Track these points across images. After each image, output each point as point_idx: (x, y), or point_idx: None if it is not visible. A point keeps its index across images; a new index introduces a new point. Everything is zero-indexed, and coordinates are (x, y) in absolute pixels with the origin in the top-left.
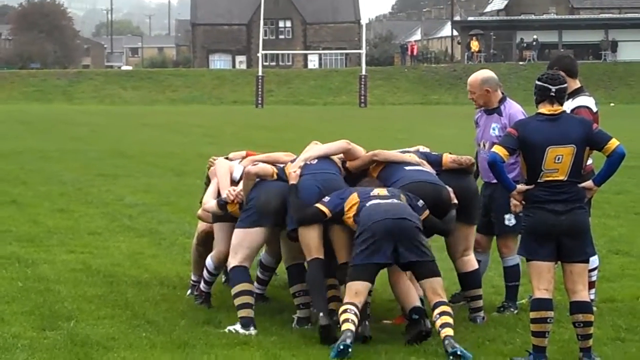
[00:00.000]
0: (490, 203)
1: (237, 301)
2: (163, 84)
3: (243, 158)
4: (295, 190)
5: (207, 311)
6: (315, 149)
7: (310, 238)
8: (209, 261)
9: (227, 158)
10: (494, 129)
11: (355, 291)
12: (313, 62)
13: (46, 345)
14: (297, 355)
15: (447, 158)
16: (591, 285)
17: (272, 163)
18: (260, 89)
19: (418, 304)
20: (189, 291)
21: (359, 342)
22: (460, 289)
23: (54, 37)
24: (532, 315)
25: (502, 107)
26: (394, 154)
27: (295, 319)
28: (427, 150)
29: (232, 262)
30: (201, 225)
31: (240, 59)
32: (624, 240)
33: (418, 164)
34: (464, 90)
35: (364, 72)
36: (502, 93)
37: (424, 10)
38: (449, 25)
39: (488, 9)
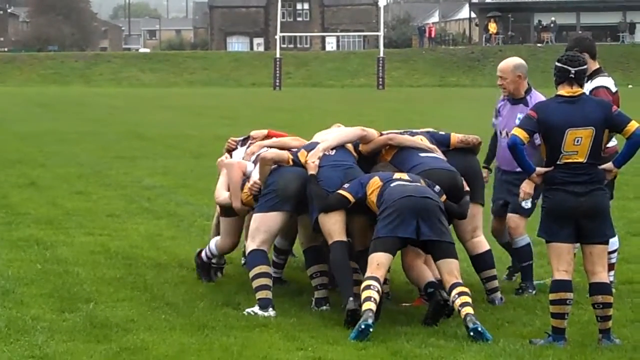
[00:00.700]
0: (512, 189)
1: (255, 283)
2: (181, 66)
3: (265, 137)
4: (315, 180)
5: (226, 293)
6: (331, 138)
7: (332, 223)
8: (212, 245)
9: (247, 137)
10: (519, 119)
11: (377, 263)
12: (331, 44)
13: (65, 328)
14: (316, 336)
15: (455, 138)
16: (611, 267)
17: (282, 148)
18: (278, 72)
19: (432, 279)
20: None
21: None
22: (476, 270)
23: (71, 19)
24: (552, 297)
25: (527, 98)
26: (409, 139)
27: (314, 300)
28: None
29: (251, 245)
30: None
31: (258, 41)
32: None
33: (431, 150)
34: (482, 73)
35: (381, 55)
36: (528, 84)
37: None
38: (466, 7)
39: None
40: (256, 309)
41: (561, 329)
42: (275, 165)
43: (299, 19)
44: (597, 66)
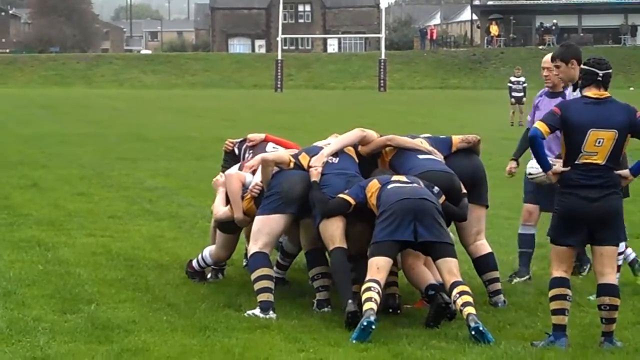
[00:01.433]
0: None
1: (257, 285)
2: (182, 68)
3: (262, 140)
4: (317, 187)
5: (228, 295)
6: (334, 143)
7: (334, 230)
8: (206, 254)
9: (244, 140)
10: None
11: (377, 266)
12: (332, 46)
13: (67, 329)
14: (317, 338)
15: (456, 139)
16: (617, 269)
17: (282, 163)
18: (279, 73)
19: (433, 281)
20: (209, 275)
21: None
22: (478, 273)
23: (73, 20)
24: (552, 292)
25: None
26: (408, 140)
27: (315, 302)
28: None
29: (253, 248)
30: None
31: (260, 43)
32: None
33: (430, 152)
34: (483, 75)
35: (383, 57)
36: None
37: None
38: (468, 9)
39: None
40: (257, 311)
41: (562, 326)
42: (277, 169)
43: (301, 20)
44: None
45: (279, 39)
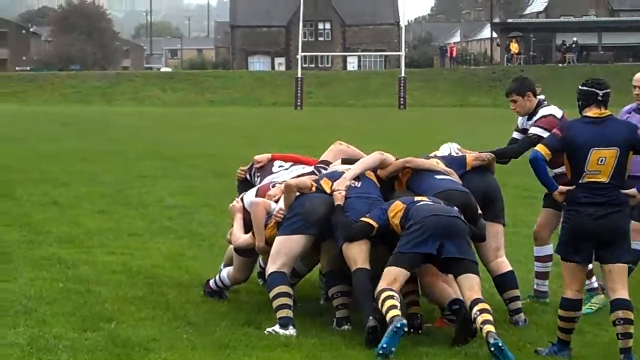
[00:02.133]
0: None
1: (275, 303)
2: (202, 85)
3: (269, 160)
4: (341, 210)
5: (248, 312)
6: (355, 166)
7: (357, 252)
8: (224, 276)
9: (252, 163)
10: None
11: (395, 277)
12: (352, 64)
13: (87, 346)
14: (337, 356)
15: (470, 158)
16: (545, 275)
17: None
18: (299, 91)
19: (455, 296)
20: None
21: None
22: (498, 292)
23: (93, 38)
24: (561, 313)
25: None
26: (425, 162)
27: (335, 320)
28: (454, 148)
29: (271, 268)
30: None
31: (279, 61)
32: None
33: (447, 173)
34: (503, 93)
35: (403, 74)
36: None
37: (463, 12)
38: (488, 27)
39: (528, 10)
40: (277, 327)
41: (567, 342)
42: (299, 193)
43: (321, 38)
44: (537, 100)
45: (298, 56)
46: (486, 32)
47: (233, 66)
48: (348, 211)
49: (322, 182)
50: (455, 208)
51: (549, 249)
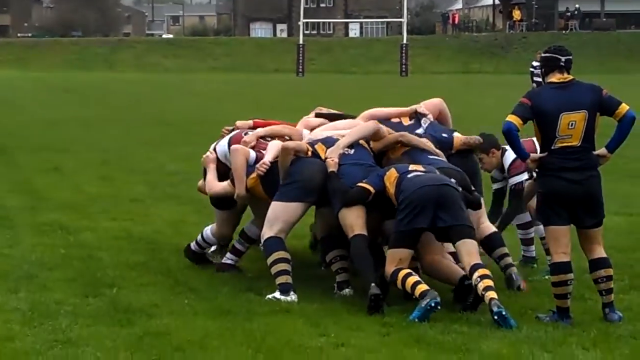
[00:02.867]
0: None
1: (274, 269)
2: (204, 52)
3: (250, 128)
4: (336, 177)
5: (249, 279)
6: (350, 134)
7: (354, 218)
8: (207, 232)
9: (234, 128)
10: None
11: (400, 258)
12: (354, 30)
13: (89, 312)
14: (338, 322)
15: (458, 141)
16: (529, 241)
17: (274, 136)
18: (301, 58)
19: (464, 273)
20: (212, 248)
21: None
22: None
23: (95, 5)
24: (553, 279)
25: None
26: (419, 139)
27: (336, 285)
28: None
29: (268, 233)
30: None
31: (281, 28)
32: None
33: (438, 155)
34: (505, 60)
35: (405, 41)
36: None
37: None
38: None
39: None
40: (277, 294)
41: (565, 309)
42: (294, 157)
43: (322, 5)
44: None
45: (300, 23)
46: None
47: (235, 33)
48: (343, 177)
49: (317, 146)
50: (453, 180)
51: (528, 216)
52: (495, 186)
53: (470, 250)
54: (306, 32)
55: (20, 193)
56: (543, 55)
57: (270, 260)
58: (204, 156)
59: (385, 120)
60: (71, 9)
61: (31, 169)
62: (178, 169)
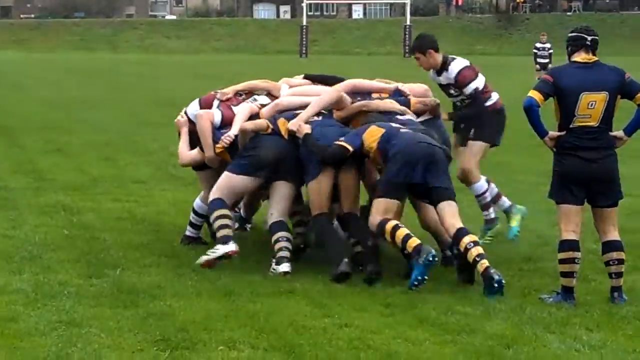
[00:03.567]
0: None
1: (216, 224)
2: (207, 33)
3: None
4: (310, 137)
5: (253, 260)
6: (312, 106)
7: (322, 193)
8: (199, 203)
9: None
10: None
11: (385, 208)
12: (357, 12)
13: (92, 293)
14: (342, 304)
15: (414, 101)
16: (487, 206)
17: (251, 90)
18: (304, 39)
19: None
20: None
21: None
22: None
23: None
24: (561, 256)
25: None
26: (382, 103)
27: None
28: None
29: (213, 196)
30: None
31: (285, 9)
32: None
33: (404, 113)
34: (509, 41)
35: (408, 22)
36: None
37: None
38: None
39: None
40: (218, 247)
41: (570, 288)
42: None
43: None
44: (442, 56)
45: (304, 4)
46: None
47: (238, 14)
48: (319, 139)
49: (278, 122)
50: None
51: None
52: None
53: (454, 212)
54: (309, 13)
55: (24, 174)
56: (570, 34)
57: (213, 216)
58: (176, 120)
59: (366, 94)
60: None
61: (34, 150)
62: None
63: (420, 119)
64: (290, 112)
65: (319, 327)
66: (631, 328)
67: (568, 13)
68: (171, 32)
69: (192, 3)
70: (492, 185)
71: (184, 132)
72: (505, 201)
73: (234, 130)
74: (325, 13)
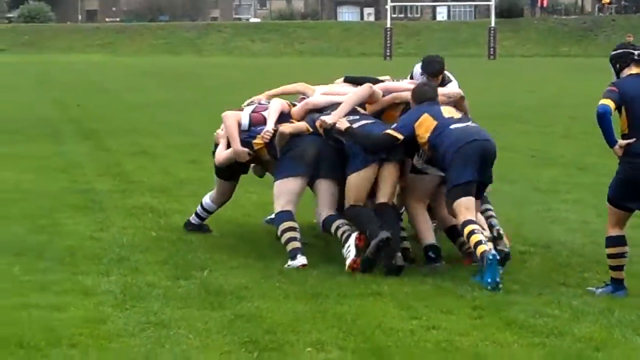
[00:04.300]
0: None
1: (283, 238)
2: (291, 36)
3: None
4: (354, 130)
5: (339, 262)
6: (346, 102)
7: (362, 189)
8: (207, 201)
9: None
10: None
11: (466, 206)
12: (441, 14)
13: (180, 294)
14: (429, 306)
15: (439, 92)
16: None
17: (286, 93)
18: (388, 41)
19: (434, 242)
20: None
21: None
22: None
23: None
24: (610, 251)
25: None
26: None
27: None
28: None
29: (277, 208)
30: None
31: (369, 11)
32: None
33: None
34: (594, 43)
35: (493, 24)
36: None
37: None
38: None
39: None
40: (289, 261)
41: (620, 280)
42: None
43: None
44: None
45: (388, 6)
46: None
47: (322, 16)
48: (364, 128)
49: (317, 123)
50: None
51: None
52: None
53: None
54: (393, 15)
55: (110, 176)
56: (614, 53)
57: (280, 230)
58: (215, 133)
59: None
60: None
61: (121, 152)
62: None
63: None
64: (327, 113)
65: (407, 329)
66: None
67: None
68: (255, 35)
69: (276, 6)
70: None
71: (223, 142)
72: None
73: (270, 125)
74: (409, 15)
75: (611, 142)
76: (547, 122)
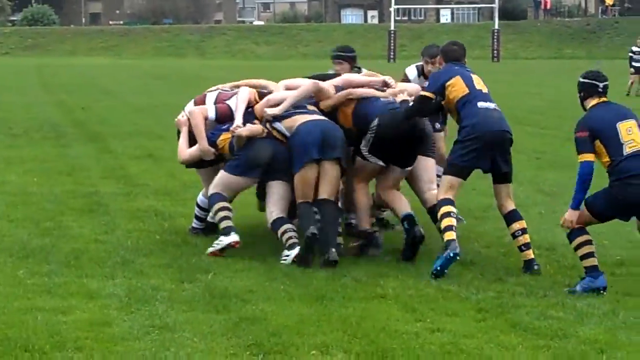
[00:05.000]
0: None
1: (218, 216)
2: (295, 39)
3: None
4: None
5: (344, 264)
6: (290, 97)
7: (307, 182)
8: (202, 198)
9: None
10: None
11: (450, 185)
12: (445, 16)
13: (185, 297)
14: (434, 308)
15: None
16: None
17: (253, 85)
18: (392, 44)
19: (409, 211)
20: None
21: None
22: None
23: None
24: (577, 241)
25: None
26: (367, 91)
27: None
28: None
29: (212, 190)
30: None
31: (372, 14)
32: None
33: (387, 96)
34: (598, 45)
35: (496, 27)
36: None
37: None
38: None
39: None
40: (221, 238)
41: (594, 266)
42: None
43: None
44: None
45: (391, 9)
46: None
47: (326, 19)
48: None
49: (263, 115)
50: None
51: None
52: None
53: (509, 192)
54: (397, 18)
55: (115, 179)
56: (582, 80)
57: (213, 210)
58: (177, 119)
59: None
60: None
61: (125, 155)
62: None
63: None
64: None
65: (411, 332)
66: None
67: None
68: (259, 38)
69: (279, 8)
70: None
71: (184, 131)
72: None
73: (238, 119)
74: (412, 18)
75: (578, 203)
76: (551, 124)
